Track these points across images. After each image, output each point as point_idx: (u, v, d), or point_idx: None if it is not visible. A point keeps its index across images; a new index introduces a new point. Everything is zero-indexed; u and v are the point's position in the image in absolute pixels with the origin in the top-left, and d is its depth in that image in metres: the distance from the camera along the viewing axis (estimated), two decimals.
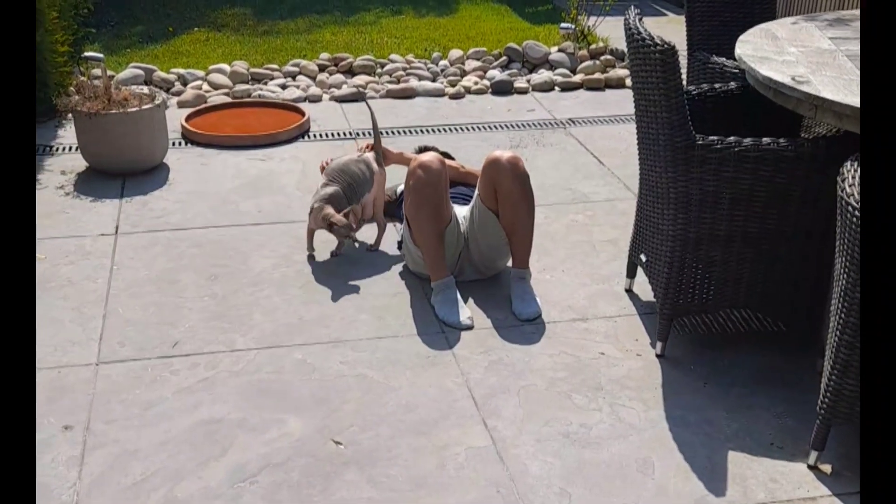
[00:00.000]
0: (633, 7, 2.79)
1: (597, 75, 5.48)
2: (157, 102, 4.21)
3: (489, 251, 3.21)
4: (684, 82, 3.36)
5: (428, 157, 3.10)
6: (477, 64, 5.72)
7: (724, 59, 3.54)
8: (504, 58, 5.78)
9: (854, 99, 2.37)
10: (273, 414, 2.59)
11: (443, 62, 5.82)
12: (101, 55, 4.62)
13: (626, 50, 2.82)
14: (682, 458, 2.39)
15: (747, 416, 2.56)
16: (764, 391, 2.67)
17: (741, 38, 3.00)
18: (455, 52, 5.91)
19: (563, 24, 6.07)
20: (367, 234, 3.57)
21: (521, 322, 3.01)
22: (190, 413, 2.59)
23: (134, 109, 4.11)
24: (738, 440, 2.46)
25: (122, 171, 4.19)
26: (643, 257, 2.96)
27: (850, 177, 2.18)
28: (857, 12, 3.29)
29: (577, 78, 5.49)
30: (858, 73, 2.61)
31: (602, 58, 5.73)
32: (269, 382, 2.72)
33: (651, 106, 2.62)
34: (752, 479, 2.32)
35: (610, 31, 6.22)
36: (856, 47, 2.90)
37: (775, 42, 2.94)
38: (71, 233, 3.63)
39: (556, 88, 5.41)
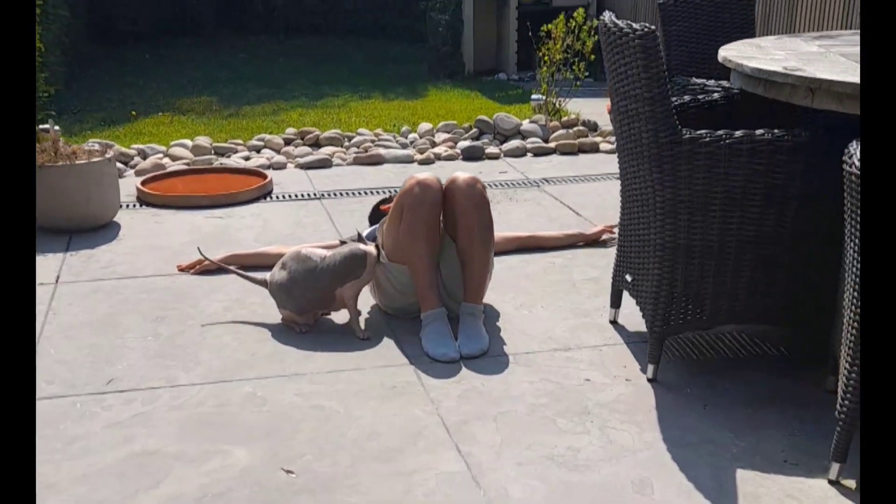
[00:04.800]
0: (606, 11, 2.64)
1: (570, 141, 5.34)
2: (107, 156, 3.98)
3: (450, 282, 2.93)
4: None
5: (425, 175, 2.86)
6: (447, 136, 5.58)
7: (703, 80, 3.40)
8: (475, 130, 5.63)
9: (855, 77, 2.18)
10: (215, 445, 2.26)
11: (412, 135, 5.67)
12: (55, 126, 4.40)
13: (604, 62, 2.65)
14: (685, 478, 2.08)
15: (755, 435, 2.26)
16: (770, 411, 2.38)
17: (723, 47, 2.84)
18: (424, 126, 5.77)
19: (533, 96, 5.99)
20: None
21: (491, 354, 2.72)
22: (120, 446, 2.26)
23: (82, 162, 3.88)
24: (746, 459, 2.16)
25: (69, 229, 3.92)
26: (628, 277, 2.71)
27: (857, 153, 1.97)
28: (842, 31, 3.17)
29: (551, 144, 5.34)
30: (854, 65, 2.45)
31: (574, 129, 5.61)
32: (213, 415, 2.41)
33: (631, 103, 2.43)
34: (767, 497, 2.01)
35: (580, 107, 6.13)
36: (847, 49, 2.75)
37: (760, 49, 2.79)
38: None
39: (529, 154, 5.26)
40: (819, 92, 2.25)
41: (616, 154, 5.04)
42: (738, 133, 2.32)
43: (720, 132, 2.33)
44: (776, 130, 2.33)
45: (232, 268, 3.11)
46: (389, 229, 2.92)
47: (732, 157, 2.33)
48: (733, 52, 2.70)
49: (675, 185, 2.38)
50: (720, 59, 2.69)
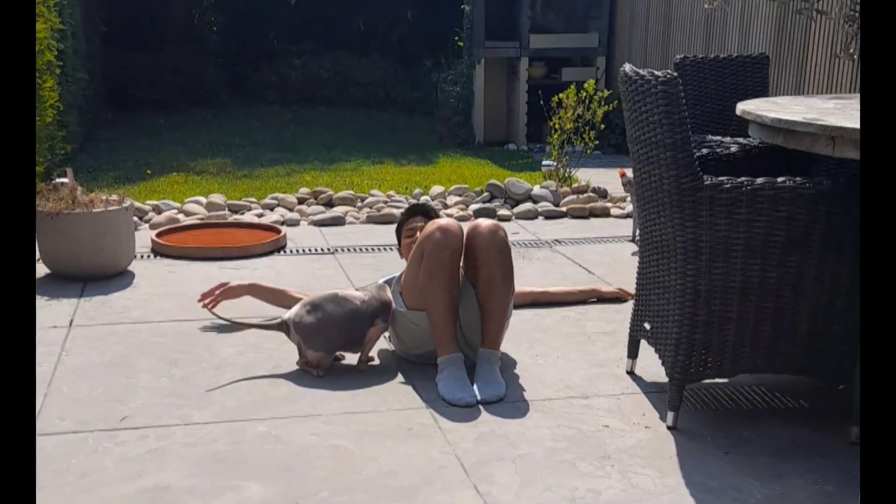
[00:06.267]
0: (626, 63, 2.69)
1: (581, 206, 5.38)
2: (124, 205, 4.01)
3: (467, 329, 2.91)
4: None
5: (446, 220, 2.86)
6: (459, 199, 5.62)
7: (720, 137, 3.43)
8: (486, 193, 5.68)
9: None
10: (229, 481, 2.23)
11: (424, 198, 5.71)
12: (68, 179, 4.44)
13: (623, 105, 2.68)
14: None
15: (779, 482, 2.23)
16: (794, 460, 2.34)
17: (741, 103, 2.88)
18: (437, 189, 5.82)
19: (544, 163, 6.04)
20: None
21: (508, 400, 2.69)
22: (132, 481, 2.23)
23: (100, 210, 3.91)
24: None
25: (84, 276, 3.92)
26: (647, 325, 2.70)
27: None
28: (855, 94, 3.22)
29: (562, 208, 5.38)
30: None
31: (585, 195, 5.65)
32: (227, 452, 2.38)
33: (652, 149, 2.45)
34: None
35: (590, 175, 6.18)
36: None
37: (778, 105, 2.83)
38: None
39: (540, 217, 5.29)
40: (841, 140, 2.27)
41: (628, 218, 5.10)
42: (759, 180, 2.34)
43: (742, 178, 2.35)
44: (797, 178, 2.35)
45: (245, 321, 3.10)
46: (409, 274, 2.92)
47: (754, 203, 2.34)
48: (751, 107, 2.73)
49: (697, 230, 2.39)
50: (739, 112, 2.73)
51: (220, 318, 3.23)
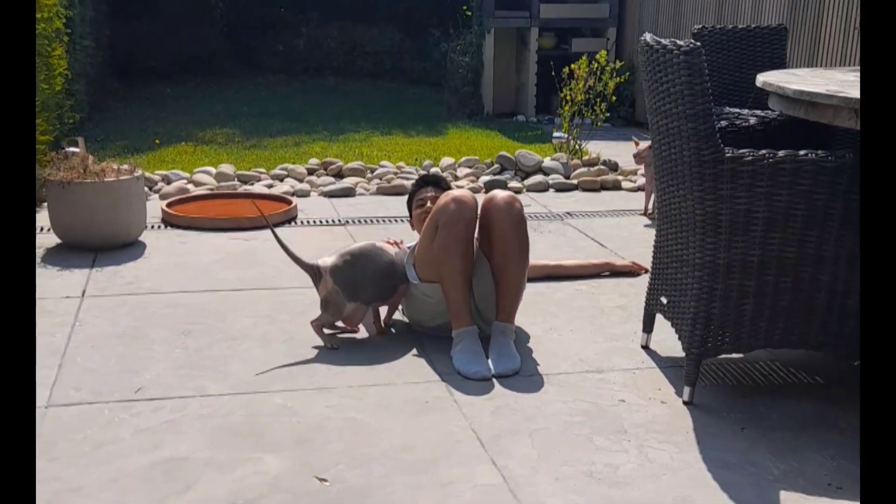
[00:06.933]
0: (647, 33, 2.65)
1: (592, 178, 5.34)
2: (135, 175, 3.99)
3: (481, 302, 2.90)
4: None
5: (461, 191, 2.83)
6: (469, 171, 5.59)
7: (737, 109, 3.39)
8: (496, 165, 5.65)
9: None
10: (246, 453, 2.23)
11: (434, 169, 5.69)
12: (79, 148, 4.42)
13: (643, 77, 2.65)
14: (728, 497, 2.03)
15: (796, 457, 2.22)
16: (810, 435, 2.33)
17: (761, 74, 2.84)
18: (447, 160, 5.79)
19: (555, 134, 6.00)
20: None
21: (523, 374, 2.69)
22: (149, 452, 2.23)
23: (111, 179, 3.89)
24: (789, 480, 2.11)
25: (95, 246, 3.91)
26: (664, 299, 2.68)
27: None
28: None
29: (573, 181, 5.35)
30: None
31: (596, 167, 5.62)
32: (244, 424, 2.37)
33: (673, 121, 2.42)
34: None
35: (600, 148, 6.15)
36: None
37: (797, 77, 2.79)
38: None
39: (551, 190, 5.26)
40: None
41: (639, 191, 5.07)
42: (781, 153, 2.31)
43: (763, 151, 2.32)
44: (819, 151, 2.32)
45: (287, 247, 2.90)
46: (422, 246, 2.90)
47: (775, 177, 2.32)
48: (772, 78, 2.70)
49: (716, 203, 2.36)
50: (759, 83, 2.69)
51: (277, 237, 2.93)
